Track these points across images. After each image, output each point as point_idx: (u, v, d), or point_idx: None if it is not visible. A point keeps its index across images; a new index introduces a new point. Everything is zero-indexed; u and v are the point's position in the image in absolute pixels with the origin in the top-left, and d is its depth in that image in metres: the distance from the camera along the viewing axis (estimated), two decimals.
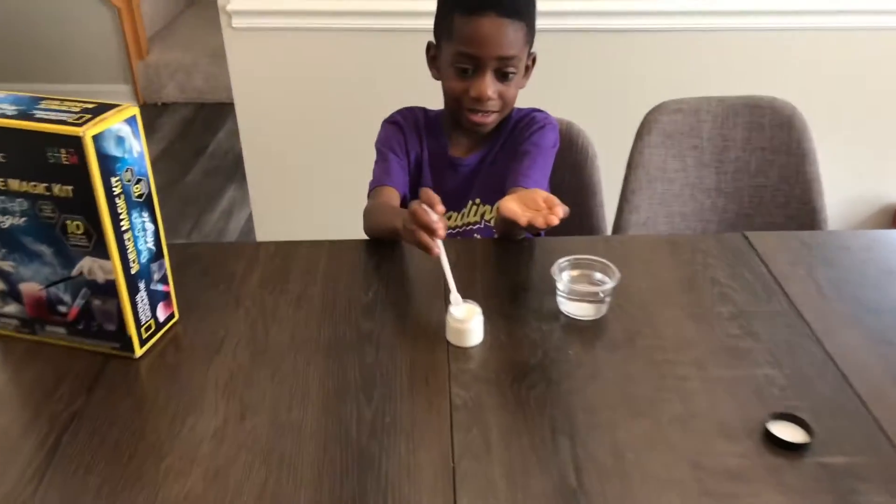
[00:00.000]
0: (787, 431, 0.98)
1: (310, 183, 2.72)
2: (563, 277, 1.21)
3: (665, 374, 1.08)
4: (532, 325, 1.18)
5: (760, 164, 1.81)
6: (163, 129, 4.24)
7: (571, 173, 1.72)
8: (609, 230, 1.79)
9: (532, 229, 1.16)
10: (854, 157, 2.67)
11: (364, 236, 1.43)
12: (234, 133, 2.64)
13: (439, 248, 1.14)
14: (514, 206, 1.16)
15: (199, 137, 4.17)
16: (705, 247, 1.38)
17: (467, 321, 1.12)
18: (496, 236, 1.48)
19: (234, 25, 2.41)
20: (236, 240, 3.25)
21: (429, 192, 1.13)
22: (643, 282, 1.28)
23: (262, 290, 1.28)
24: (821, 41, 2.49)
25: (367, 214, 1.42)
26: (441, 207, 1.12)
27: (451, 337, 1.14)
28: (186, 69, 4.37)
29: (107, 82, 4.39)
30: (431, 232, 1.12)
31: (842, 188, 2.68)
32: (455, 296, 1.14)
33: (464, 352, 1.13)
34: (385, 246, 1.39)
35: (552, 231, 1.52)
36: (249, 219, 2.94)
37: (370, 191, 1.48)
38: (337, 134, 2.62)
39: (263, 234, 2.88)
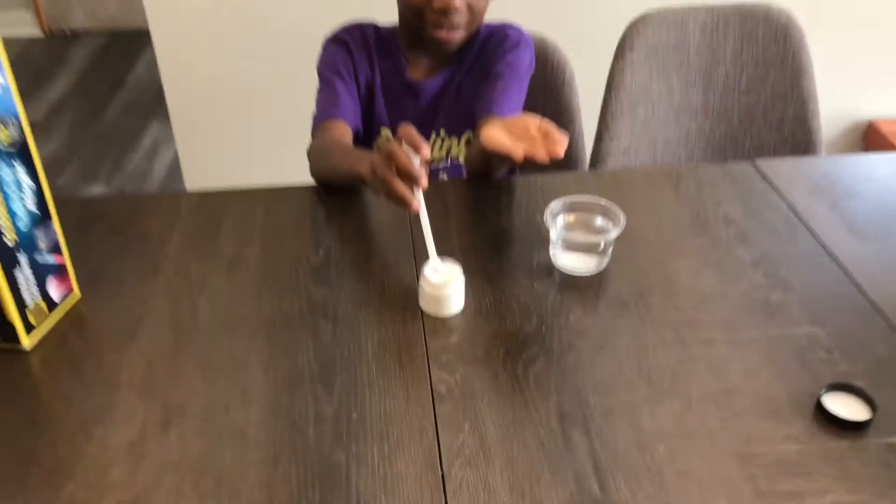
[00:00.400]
0: (844, 406, 0.80)
1: (242, 117, 2.42)
2: (558, 225, 1.00)
3: (687, 339, 0.89)
4: (522, 285, 0.97)
5: (752, 81, 1.62)
6: (73, 61, 3.82)
7: (546, 96, 1.49)
8: (588, 160, 1.58)
9: (525, 165, 0.94)
10: (825, 71, 2.49)
11: (310, 180, 1.19)
12: (155, 63, 2.32)
13: (420, 201, 0.91)
14: (501, 136, 0.93)
15: (114, 69, 3.77)
16: (712, 178, 1.18)
17: (446, 286, 0.91)
18: (467, 176, 1.25)
19: None
20: (163, 182, 2.95)
21: (410, 131, 0.89)
22: (647, 225, 1.08)
23: (185, 253, 1.03)
24: None
25: (316, 155, 1.18)
26: (427, 151, 0.89)
27: (426, 305, 0.93)
28: None
29: (2, 9, 3.92)
30: (413, 181, 0.89)
31: None
32: (434, 260, 0.92)
33: (443, 323, 0.92)
34: (337, 193, 1.15)
35: (528, 167, 1.30)
36: (177, 158, 2.64)
37: (315, 126, 1.23)
38: (271, 59, 2.31)
39: (192, 176, 2.59)
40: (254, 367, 0.86)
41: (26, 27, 3.98)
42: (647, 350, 0.88)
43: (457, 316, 0.93)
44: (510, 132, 0.93)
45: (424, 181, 0.88)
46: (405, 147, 0.88)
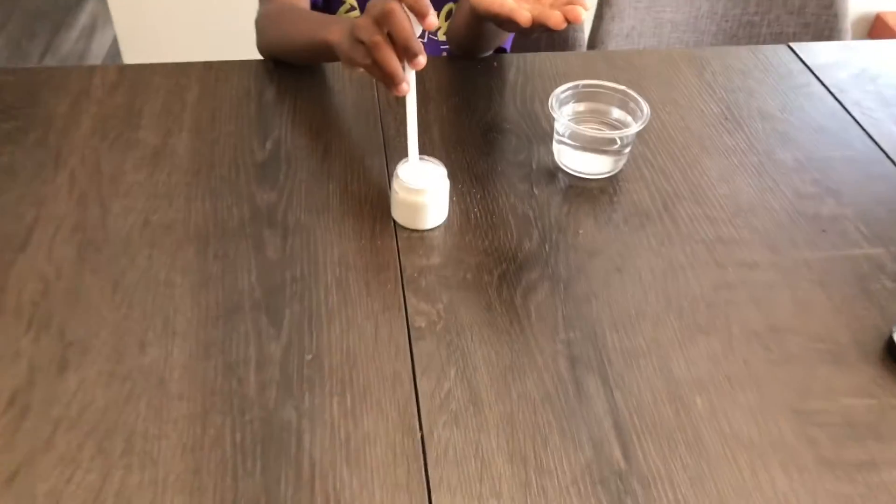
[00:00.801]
0: None
1: None
2: (565, 115, 0.80)
3: (724, 261, 0.72)
4: (519, 191, 0.79)
5: None
6: None
7: None
8: (585, 43, 1.36)
9: (526, 34, 0.73)
10: None
11: (257, 56, 0.97)
12: None
13: (411, 84, 0.70)
14: None
15: None
16: (742, 64, 0.99)
17: (424, 192, 0.72)
18: (448, 53, 1.04)
19: None
20: (102, 64, 2.64)
21: None
22: (669, 119, 0.89)
23: (96, 142, 0.82)
24: None
25: (267, 22, 0.94)
26: (434, 20, 0.66)
27: (400, 216, 0.74)
28: None
29: None
30: (410, 55, 0.67)
31: None
32: (413, 159, 0.73)
33: (421, 238, 0.73)
34: (290, 70, 0.93)
35: (522, 44, 1.09)
36: (117, 39, 2.36)
37: None
38: None
39: (133, 58, 2.31)
40: (179, 290, 0.67)
41: None
42: (676, 274, 0.71)
43: (438, 229, 0.74)
44: None
45: (423, 58, 0.67)
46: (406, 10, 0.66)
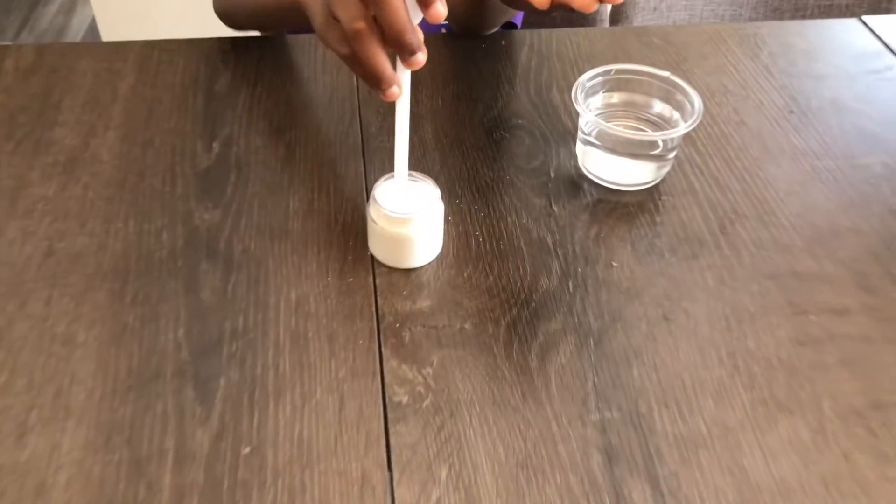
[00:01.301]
0: None
1: None
2: (592, 109, 0.63)
3: (803, 305, 0.55)
4: (533, 208, 0.61)
5: None
6: None
7: None
8: (607, 18, 1.18)
9: (541, 16, 0.55)
10: None
11: (220, 27, 0.79)
12: None
13: (404, 85, 0.52)
14: None
15: None
16: (806, 43, 0.80)
17: (410, 220, 0.54)
18: (447, 30, 0.86)
19: None
20: (82, 41, 2.46)
21: None
22: (720, 111, 0.71)
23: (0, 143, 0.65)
24: None
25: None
26: (441, 8, 0.47)
27: (378, 251, 0.57)
28: None
29: None
30: (405, 51, 0.48)
31: None
32: (402, 173, 0.55)
33: (405, 274, 0.56)
34: (250, 51, 0.76)
35: (534, 20, 0.91)
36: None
37: None
38: None
39: (111, 33, 2.13)
40: (81, 350, 0.50)
41: None
42: (742, 323, 0.54)
43: (428, 264, 0.57)
44: None
45: (423, 56, 0.49)
46: None
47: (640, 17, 1.19)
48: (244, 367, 0.50)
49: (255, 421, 0.47)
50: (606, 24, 1.16)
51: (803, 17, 1.29)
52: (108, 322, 0.52)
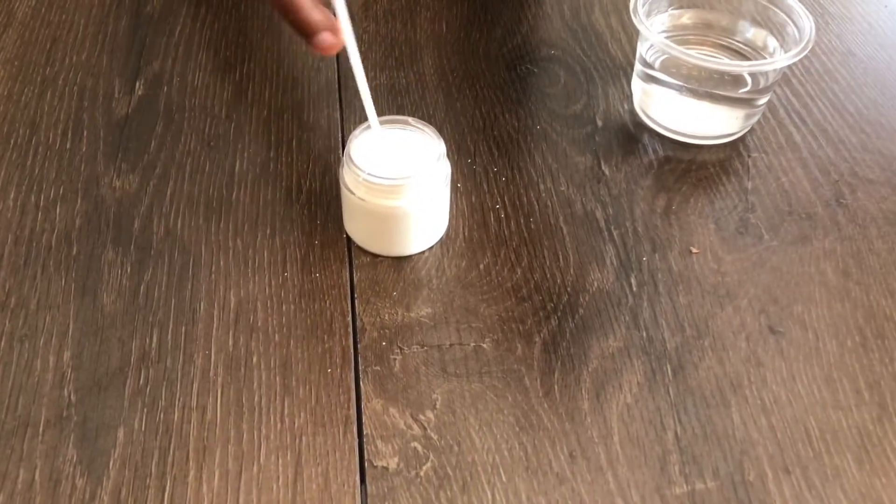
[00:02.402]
0: None
1: None
2: (656, 30, 0.45)
3: None
4: (574, 170, 0.44)
5: None
6: None
7: None
8: None
9: None
10: None
11: None
12: None
13: (345, 29, 0.36)
14: None
15: None
16: None
17: (400, 191, 0.37)
18: None
19: None
20: None
21: None
22: (821, 38, 0.53)
23: None
24: None
25: None
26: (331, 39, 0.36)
27: (356, 231, 0.40)
28: None
29: None
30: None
31: None
32: (376, 127, 0.38)
33: (394, 266, 0.39)
34: None
35: None
36: None
37: None
38: None
39: None
40: None
41: None
42: (884, 338, 0.37)
43: (427, 252, 0.40)
44: None
45: (330, 38, 0.36)
46: None
47: None
48: (154, 411, 0.33)
49: (167, 498, 0.31)
50: None
51: None
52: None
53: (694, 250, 0.40)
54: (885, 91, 0.50)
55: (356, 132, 0.38)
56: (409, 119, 0.39)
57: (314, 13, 0.36)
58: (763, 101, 0.45)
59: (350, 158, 0.37)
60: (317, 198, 0.42)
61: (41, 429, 0.33)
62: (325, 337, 0.36)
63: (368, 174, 0.36)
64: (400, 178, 0.36)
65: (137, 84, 0.48)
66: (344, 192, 0.38)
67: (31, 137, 0.45)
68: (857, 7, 0.56)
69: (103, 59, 0.50)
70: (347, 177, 0.37)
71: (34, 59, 0.50)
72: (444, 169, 0.38)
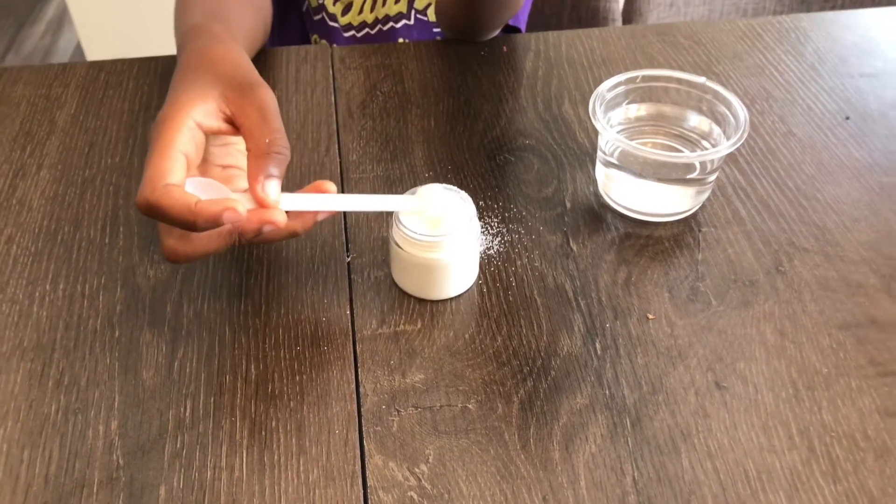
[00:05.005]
0: None
1: None
2: (614, 125, 0.52)
3: (890, 365, 0.44)
4: (547, 247, 0.51)
5: None
6: None
7: None
8: (619, 16, 1.07)
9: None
10: None
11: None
12: None
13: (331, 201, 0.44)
14: None
15: None
16: (855, 36, 0.70)
17: (438, 246, 0.45)
18: (441, 37, 0.76)
19: None
20: (70, 61, 2.37)
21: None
22: (764, 121, 0.60)
23: None
24: None
25: (176, 5, 0.66)
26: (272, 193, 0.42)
27: (403, 281, 0.47)
28: None
29: None
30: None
31: None
32: (427, 190, 0.46)
33: (393, 335, 0.45)
34: None
35: (539, 21, 0.82)
36: None
37: None
38: None
39: (96, 52, 2.04)
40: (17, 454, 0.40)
41: None
42: (814, 390, 0.43)
43: (424, 318, 0.46)
44: None
45: (276, 216, 0.41)
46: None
47: (655, 15, 1.08)
48: (190, 470, 0.39)
49: None
50: (619, 24, 1.06)
51: (833, 7, 1.18)
52: (24, 415, 0.42)
53: (650, 316, 0.46)
54: (821, 168, 0.56)
55: (405, 196, 0.45)
56: (444, 186, 0.46)
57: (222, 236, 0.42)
58: (711, 180, 0.52)
59: (398, 220, 0.44)
60: (324, 277, 0.48)
61: (95, 489, 0.39)
62: (333, 402, 0.42)
63: (411, 232, 0.43)
64: (438, 235, 0.43)
65: None
66: (393, 248, 0.45)
67: (75, 233, 0.52)
68: (797, 91, 0.63)
69: (135, 161, 0.57)
70: (396, 235, 0.45)
71: (75, 163, 0.57)
72: (474, 227, 0.45)
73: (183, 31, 0.53)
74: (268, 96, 0.44)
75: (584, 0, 1.00)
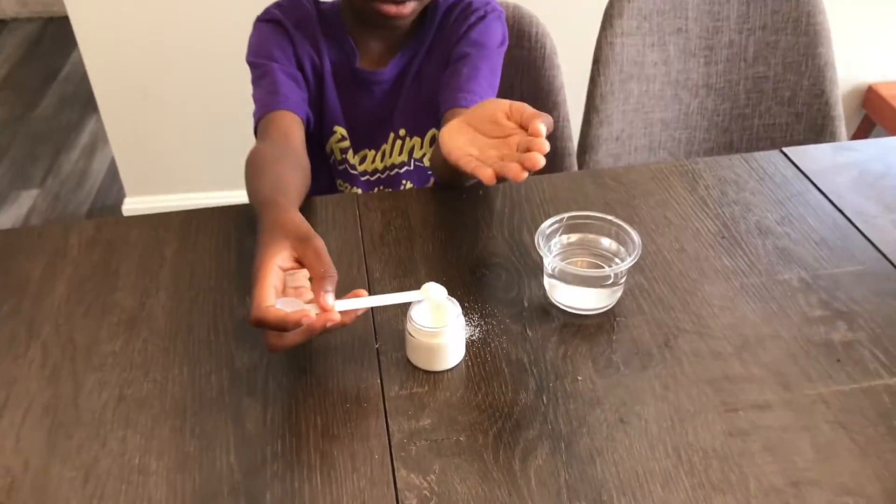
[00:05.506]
0: None
1: (177, 107, 2.16)
2: (553, 250, 0.77)
3: (734, 404, 0.67)
4: (511, 333, 0.75)
5: (760, 49, 1.39)
6: (2, 52, 3.50)
7: (523, 76, 1.26)
8: (575, 151, 1.35)
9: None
10: None
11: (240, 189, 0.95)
12: None
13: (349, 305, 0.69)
14: (463, 144, 0.72)
15: (49, 59, 3.45)
16: (735, 175, 0.96)
17: (438, 334, 0.69)
18: (435, 183, 1.02)
19: None
20: (102, 184, 2.66)
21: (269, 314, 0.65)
22: (663, 240, 0.86)
23: (71, 307, 0.79)
24: None
25: (247, 170, 0.90)
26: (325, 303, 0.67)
27: (414, 358, 0.72)
28: None
29: None
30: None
31: None
32: (430, 294, 0.71)
33: (409, 396, 0.69)
34: None
35: None
36: None
37: (256, 124, 0.98)
38: (203, 45, 2.05)
39: (130, 176, 2.33)
40: (154, 477, 0.63)
41: None
42: (684, 422, 0.66)
43: (428, 383, 0.70)
44: (477, 130, 0.72)
45: (334, 316, 0.67)
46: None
47: (605, 148, 1.36)
48: (284, 482, 0.62)
49: None
50: (574, 155, 1.33)
51: (749, 136, 1.46)
52: (173, 453, 0.65)
53: (579, 378, 0.70)
54: (702, 273, 0.81)
55: (413, 304, 0.70)
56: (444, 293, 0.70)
57: (308, 328, 0.66)
58: (622, 282, 0.77)
59: (410, 317, 0.68)
60: (359, 362, 0.72)
61: (225, 496, 0.61)
62: (372, 439, 0.65)
63: (421, 324, 0.67)
64: (438, 327, 0.68)
65: (247, 298, 0.79)
66: (407, 336, 0.70)
67: (188, 335, 0.76)
68: (690, 217, 0.89)
69: (224, 282, 0.81)
70: (409, 328, 0.69)
71: (182, 286, 0.81)
72: (461, 322, 0.69)
73: (259, 199, 0.79)
74: (319, 243, 0.70)
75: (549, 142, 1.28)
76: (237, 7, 1.94)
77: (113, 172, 2.71)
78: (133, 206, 2.34)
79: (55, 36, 3.61)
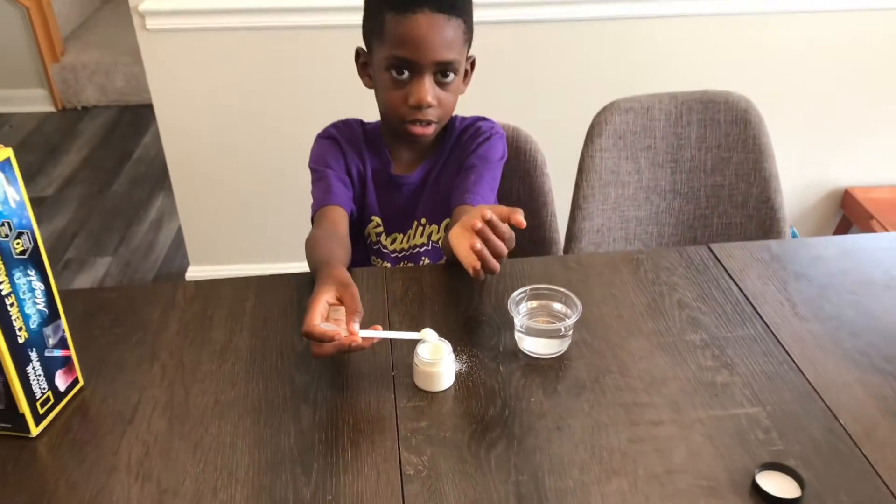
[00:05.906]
0: (776, 484, 0.88)
1: (241, 190, 2.54)
2: (521, 311, 1.09)
3: (637, 420, 0.97)
4: (488, 368, 1.06)
5: (716, 163, 1.72)
6: (84, 135, 3.98)
7: (520, 182, 1.60)
8: (562, 240, 1.68)
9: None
10: (801, 142, 2.62)
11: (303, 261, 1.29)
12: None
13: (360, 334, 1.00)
14: (459, 242, 1.07)
15: (123, 142, 3.92)
16: (669, 263, 1.28)
17: (436, 363, 1.02)
18: (444, 261, 1.35)
19: (147, 27, 2.22)
20: (168, 254, 3.05)
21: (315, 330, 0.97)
22: (606, 308, 1.17)
23: (180, 341, 1.12)
24: (761, 24, 2.41)
25: (307, 246, 1.25)
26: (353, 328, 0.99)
27: (419, 382, 1.03)
28: (106, 70, 4.10)
29: (21, 87, 4.10)
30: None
31: (790, 174, 2.63)
32: (426, 336, 1.04)
33: (413, 407, 1.00)
34: None
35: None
36: (181, 230, 2.77)
37: (313, 214, 1.33)
38: (266, 140, 2.45)
39: (194, 247, 2.70)
40: (240, 450, 0.94)
41: (41, 104, 4.16)
42: (600, 431, 0.96)
43: (427, 400, 1.01)
44: (469, 230, 1.04)
45: (357, 339, 0.98)
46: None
47: (587, 239, 1.68)
48: (327, 457, 0.93)
49: (334, 484, 0.90)
50: (561, 244, 1.66)
51: (710, 232, 1.78)
52: (252, 437, 0.96)
53: (532, 400, 1.01)
54: (630, 332, 1.12)
55: (419, 344, 1.01)
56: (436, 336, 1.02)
57: (338, 344, 0.99)
58: (569, 334, 1.08)
59: (416, 353, 1.00)
60: (379, 385, 1.03)
61: (287, 463, 0.92)
62: (387, 432, 0.96)
63: (424, 358, 0.99)
64: (435, 360, 0.99)
65: (303, 338, 1.12)
66: (414, 366, 1.01)
67: (263, 361, 1.08)
68: (629, 293, 1.20)
69: (288, 328, 1.14)
70: (415, 360, 1.00)
71: (259, 329, 1.14)
72: (452, 357, 1.01)
73: (317, 261, 1.13)
74: (355, 290, 1.02)
75: (536, 232, 1.61)
76: (293, 119, 2.36)
77: (177, 244, 3.10)
78: (195, 273, 2.71)
79: (130, 122, 4.10)
